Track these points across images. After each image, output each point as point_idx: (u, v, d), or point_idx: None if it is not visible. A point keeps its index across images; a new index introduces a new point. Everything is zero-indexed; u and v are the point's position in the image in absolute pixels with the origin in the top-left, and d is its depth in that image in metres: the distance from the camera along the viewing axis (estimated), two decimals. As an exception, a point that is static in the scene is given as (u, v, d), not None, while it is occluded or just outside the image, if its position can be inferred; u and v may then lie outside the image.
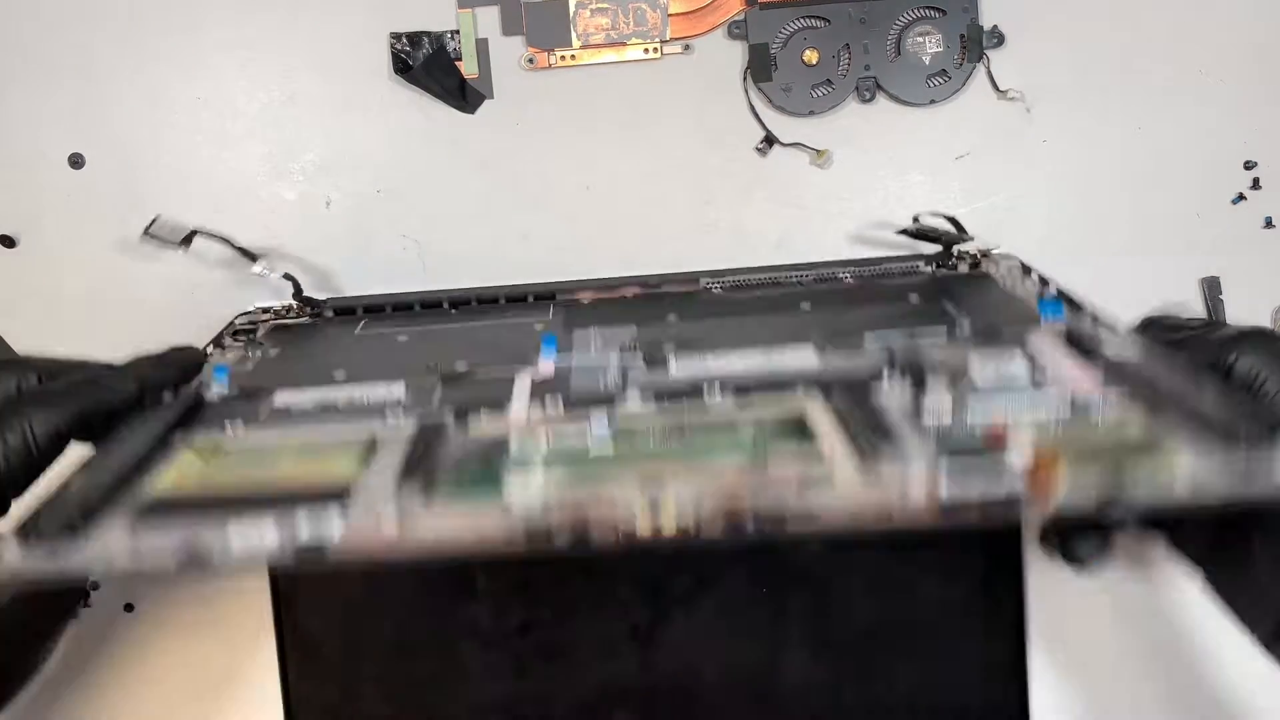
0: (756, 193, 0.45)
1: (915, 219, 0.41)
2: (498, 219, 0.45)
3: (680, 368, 0.33)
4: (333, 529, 0.25)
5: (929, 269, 0.43)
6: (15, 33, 0.43)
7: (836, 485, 0.25)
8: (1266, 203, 0.44)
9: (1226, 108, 0.44)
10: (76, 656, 0.45)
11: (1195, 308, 0.45)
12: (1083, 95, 0.44)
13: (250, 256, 0.42)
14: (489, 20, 0.44)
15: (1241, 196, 0.44)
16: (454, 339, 0.39)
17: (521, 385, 0.32)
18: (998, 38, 0.44)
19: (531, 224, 0.45)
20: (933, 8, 0.43)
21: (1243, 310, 0.44)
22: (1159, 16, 0.44)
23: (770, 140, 0.44)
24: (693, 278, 0.42)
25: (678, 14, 0.44)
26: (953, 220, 0.42)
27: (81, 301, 0.44)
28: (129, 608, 0.45)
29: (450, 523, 0.25)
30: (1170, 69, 0.44)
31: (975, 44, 0.43)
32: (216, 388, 0.34)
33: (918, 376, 0.30)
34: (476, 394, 0.32)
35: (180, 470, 0.28)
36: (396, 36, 0.43)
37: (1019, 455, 0.25)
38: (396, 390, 0.33)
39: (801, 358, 0.33)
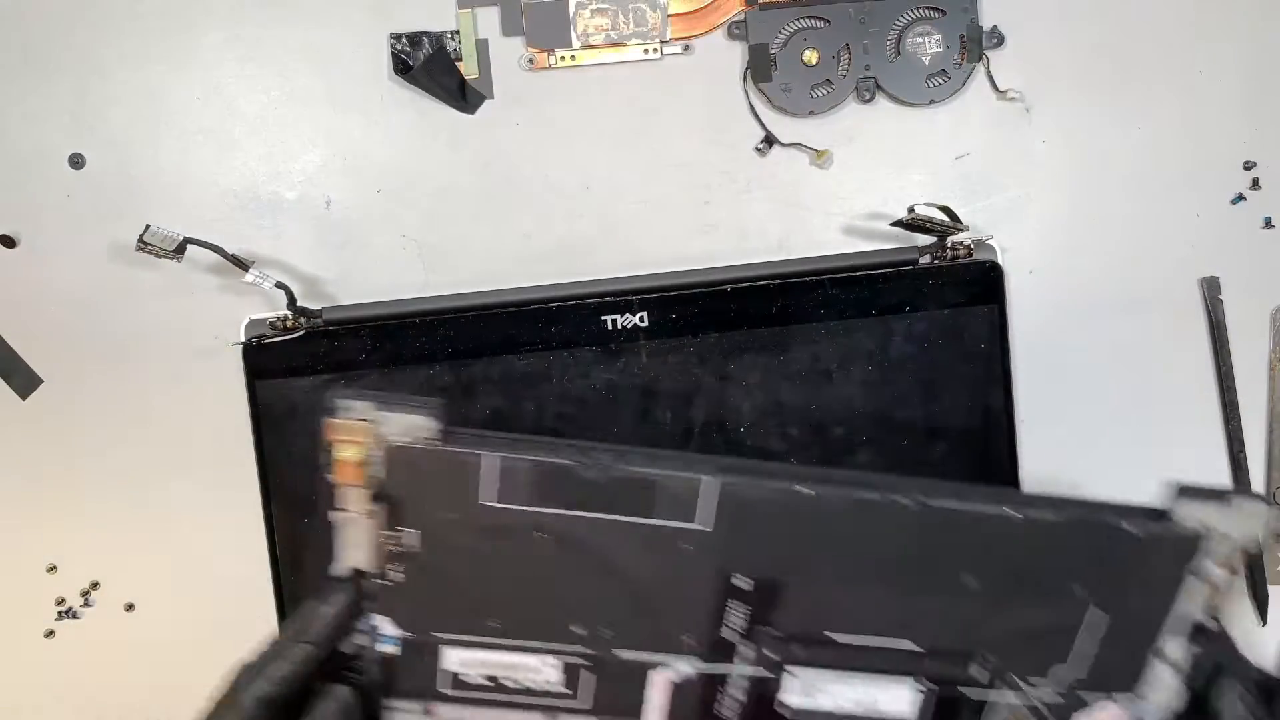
0: (756, 193, 0.45)
1: (910, 209, 0.41)
2: (498, 219, 0.45)
3: (795, 699, 0.37)
4: None
5: (925, 261, 0.43)
6: (15, 32, 0.43)
7: None
8: (1266, 203, 0.44)
9: (1226, 108, 0.44)
10: (76, 656, 0.45)
11: (1195, 308, 0.45)
12: (1083, 95, 0.44)
13: (241, 265, 0.42)
14: (489, 20, 0.44)
15: (1241, 196, 0.44)
16: (591, 548, 0.36)
17: (655, 691, 0.37)
18: (998, 38, 0.44)
19: (531, 224, 0.45)
20: (933, 8, 0.43)
21: (1242, 310, 0.45)
22: (1158, 17, 0.44)
23: (770, 140, 0.44)
24: (887, 489, 0.36)
25: (678, 14, 0.44)
26: (947, 210, 0.42)
27: (81, 301, 0.44)
28: (129, 608, 0.45)
29: None
30: (1170, 69, 0.44)
31: (975, 44, 0.43)
32: (388, 647, 0.36)
33: None
34: (619, 690, 0.37)
35: None
36: (396, 37, 0.43)
37: None
38: (552, 673, 0.37)
39: (902, 698, 0.38)
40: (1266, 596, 0.45)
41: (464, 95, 0.44)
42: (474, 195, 0.44)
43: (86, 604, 0.45)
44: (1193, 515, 0.37)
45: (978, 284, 0.43)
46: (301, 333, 0.42)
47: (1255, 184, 0.44)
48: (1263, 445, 0.45)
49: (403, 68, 0.43)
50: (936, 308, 0.43)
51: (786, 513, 0.36)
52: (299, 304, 0.42)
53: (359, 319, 0.43)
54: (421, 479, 0.35)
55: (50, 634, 0.45)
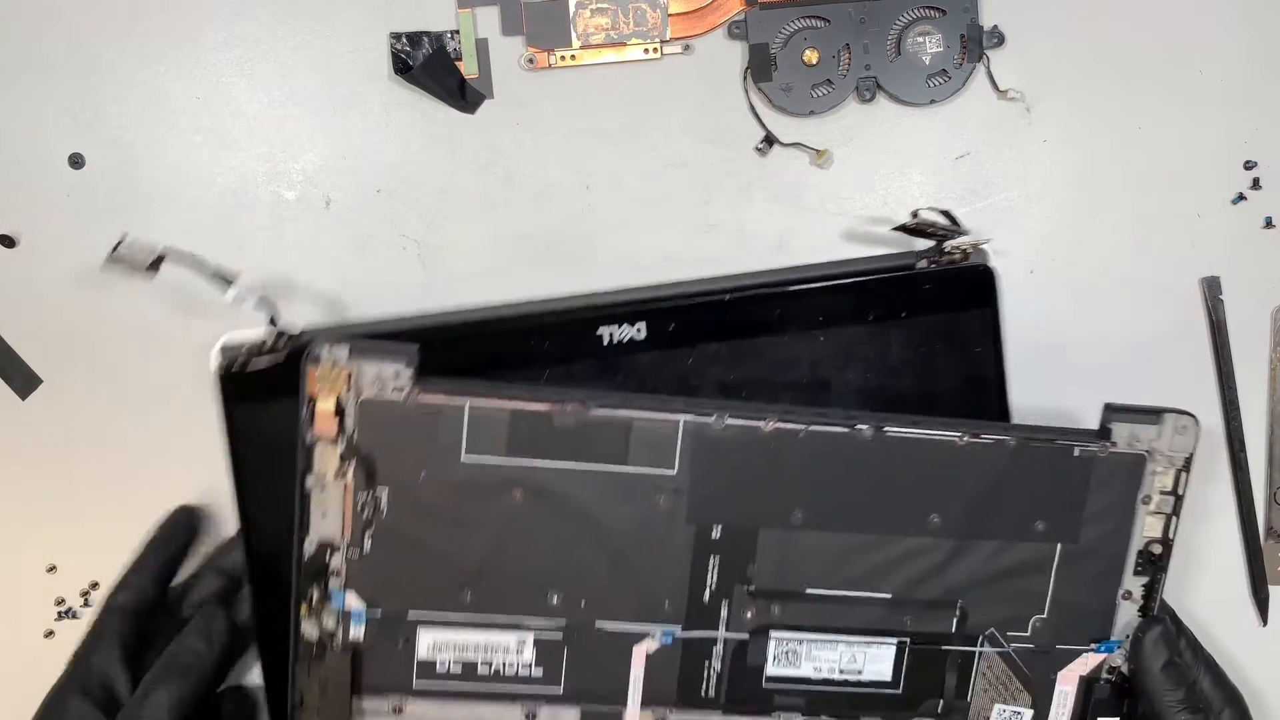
0: (756, 193, 0.45)
1: (914, 214, 0.41)
2: (498, 219, 0.45)
3: (775, 669, 0.38)
4: None
5: (923, 265, 0.43)
6: (15, 32, 0.43)
7: None
8: (1266, 203, 0.44)
9: (1226, 108, 0.44)
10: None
11: (1195, 308, 0.45)
12: (1083, 95, 0.44)
13: (224, 282, 0.39)
14: (489, 20, 0.44)
15: (1241, 196, 0.44)
16: (569, 503, 0.36)
17: (636, 666, 0.37)
18: (998, 38, 0.44)
19: (532, 224, 0.45)
20: (933, 8, 0.43)
21: (1242, 310, 0.44)
22: (1159, 17, 0.44)
23: (770, 140, 0.44)
24: (847, 419, 0.38)
25: (678, 14, 0.44)
26: (948, 214, 0.42)
27: (81, 301, 0.44)
28: (129, 608, 0.45)
29: None
30: (1170, 69, 0.44)
31: (975, 44, 0.43)
32: (356, 629, 0.35)
33: None
34: (597, 665, 0.36)
35: None
36: (396, 36, 0.43)
37: None
38: (528, 652, 0.36)
39: (882, 656, 0.38)
40: (1267, 596, 0.45)
41: (464, 95, 0.44)
42: (474, 195, 0.44)
43: (86, 604, 0.45)
44: (1130, 435, 0.38)
45: (971, 288, 0.43)
46: (282, 356, 0.39)
47: (1255, 184, 0.44)
48: (1263, 445, 0.45)
49: (403, 68, 0.43)
50: (931, 312, 0.42)
51: (752, 452, 0.36)
52: (280, 325, 0.40)
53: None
54: (393, 434, 0.34)
55: (50, 634, 0.45)
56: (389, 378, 0.33)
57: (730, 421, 0.36)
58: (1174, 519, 0.38)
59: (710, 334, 0.42)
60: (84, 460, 0.45)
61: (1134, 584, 0.38)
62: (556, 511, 0.36)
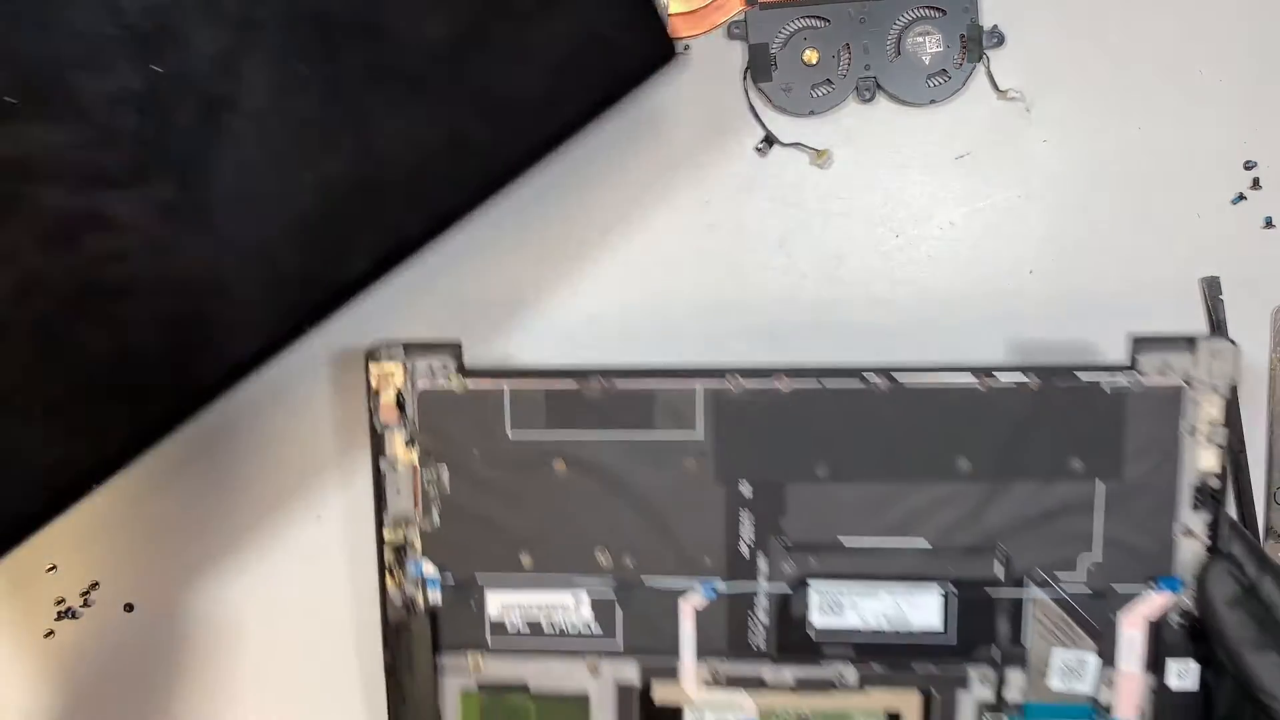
0: (756, 193, 0.45)
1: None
2: (494, 219, 0.45)
3: (820, 619, 0.40)
4: None
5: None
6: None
7: None
8: (1266, 203, 0.44)
9: (1226, 108, 0.44)
10: (76, 657, 0.45)
11: (1195, 308, 0.45)
12: (1083, 95, 0.44)
13: None
14: (489, 20, 0.44)
15: (1241, 196, 0.44)
16: (606, 469, 0.39)
17: (686, 620, 0.40)
18: (998, 38, 0.44)
19: (531, 224, 0.45)
20: (933, 8, 0.43)
21: (1243, 310, 0.45)
22: (1159, 17, 0.44)
23: (770, 140, 0.44)
24: (853, 372, 0.39)
25: (678, 14, 0.44)
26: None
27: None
28: (129, 608, 0.45)
29: None
30: (1170, 69, 0.44)
31: (975, 44, 0.43)
32: (433, 594, 0.40)
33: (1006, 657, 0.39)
34: (649, 620, 0.40)
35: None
36: (396, 36, 0.43)
37: None
38: (585, 610, 0.40)
39: (927, 604, 0.39)
40: (1267, 596, 0.45)
41: (464, 95, 0.44)
42: (474, 195, 0.44)
43: (86, 604, 0.45)
44: (1162, 364, 0.38)
45: None
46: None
47: (1255, 184, 0.44)
48: (1263, 445, 0.45)
49: (403, 68, 0.43)
50: None
51: (771, 411, 0.39)
52: None
53: None
54: (448, 418, 0.39)
55: (50, 634, 0.45)
56: (438, 369, 0.39)
57: (744, 383, 0.39)
58: (1229, 450, 0.37)
59: None
60: (84, 460, 0.45)
61: (1194, 520, 0.38)
62: (596, 478, 0.39)
